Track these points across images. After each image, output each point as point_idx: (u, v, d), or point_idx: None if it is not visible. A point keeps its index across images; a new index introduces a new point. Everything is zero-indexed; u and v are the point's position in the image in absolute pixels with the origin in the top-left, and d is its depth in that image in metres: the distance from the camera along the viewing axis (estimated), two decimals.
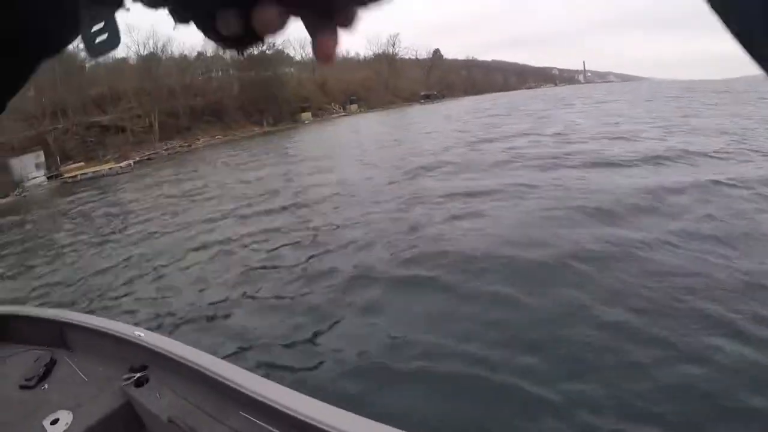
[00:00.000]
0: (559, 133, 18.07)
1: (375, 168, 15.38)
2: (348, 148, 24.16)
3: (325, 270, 6.52)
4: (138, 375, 1.98)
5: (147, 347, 2.10)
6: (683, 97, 34.08)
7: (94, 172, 32.67)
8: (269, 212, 10.71)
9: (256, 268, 7.11)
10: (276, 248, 7.92)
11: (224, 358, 3.40)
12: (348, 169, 16.14)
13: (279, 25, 0.30)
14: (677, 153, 11.46)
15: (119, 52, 57.29)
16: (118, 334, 2.24)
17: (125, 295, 6.95)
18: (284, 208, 10.82)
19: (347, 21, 0.31)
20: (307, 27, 0.32)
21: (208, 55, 64.49)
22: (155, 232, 10.93)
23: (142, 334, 2.20)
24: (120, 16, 0.37)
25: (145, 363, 2.06)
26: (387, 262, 6.50)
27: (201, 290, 6.63)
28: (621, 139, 14.84)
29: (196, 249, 8.86)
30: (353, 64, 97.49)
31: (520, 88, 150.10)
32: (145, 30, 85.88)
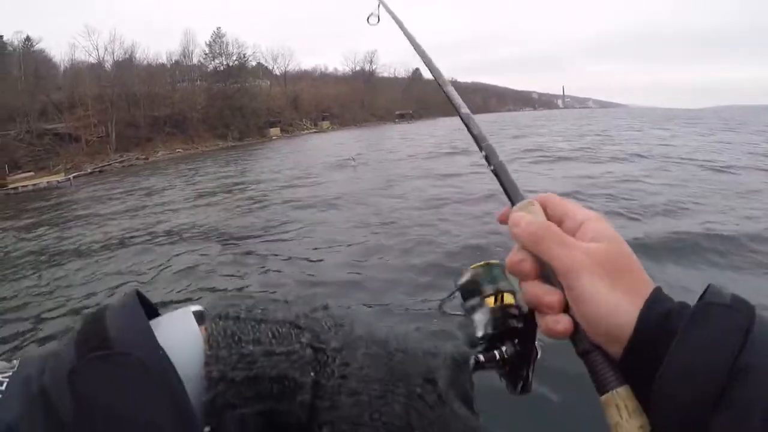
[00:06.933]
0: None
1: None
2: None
3: None
4: None
5: None
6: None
7: (34, 185, 31.59)
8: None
9: None
10: None
11: None
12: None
13: None
14: None
15: (79, 55, 56.13)
16: None
17: None
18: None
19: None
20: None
21: (185, 63, 63.74)
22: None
23: None
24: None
25: None
26: None
27: None
28: None
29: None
30: (330, 79, 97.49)
31: (499, 111, 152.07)
32: (108, 33, 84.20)
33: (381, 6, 0.95)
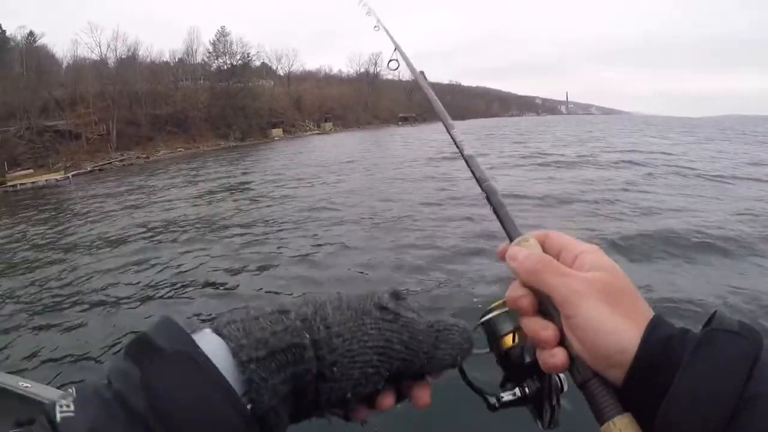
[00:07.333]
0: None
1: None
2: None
3: None
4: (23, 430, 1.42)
5: (34, 399, 2.07)
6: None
7: (32, 182, 31.56)
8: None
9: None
10: None
11: None
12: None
13: (394, 403, 0.45)
14: None
15: (82, 52, 56.03)
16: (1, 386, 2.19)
17: None
18: None
19: (437, 377, 0.46)
20: (404, 389, 0.46)
21: (189, 61, 63.61)
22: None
23: (29, 385, 2.17)
24: None
25: (33, 416, 1.49)
26: None
27: None
28: None
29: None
30: (334, 80, 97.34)
31: (502, 115, 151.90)
32: (111, 30, 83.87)
33: (398, 52, 1.04)
